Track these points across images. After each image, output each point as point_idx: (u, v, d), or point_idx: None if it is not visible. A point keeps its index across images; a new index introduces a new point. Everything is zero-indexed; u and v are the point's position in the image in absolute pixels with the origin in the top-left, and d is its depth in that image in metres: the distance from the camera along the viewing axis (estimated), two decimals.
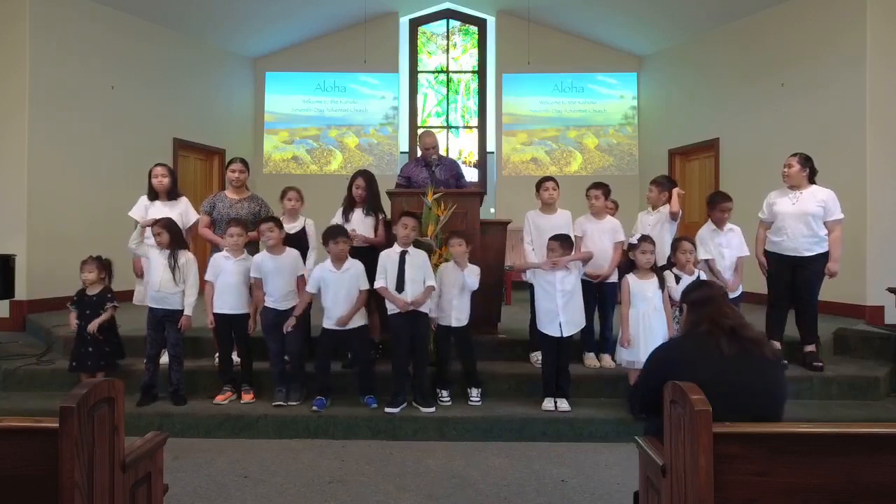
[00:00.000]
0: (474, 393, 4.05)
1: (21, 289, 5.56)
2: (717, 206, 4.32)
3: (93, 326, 4.01)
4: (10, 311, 5.79)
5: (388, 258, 3.97)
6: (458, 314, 4.01)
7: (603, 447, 3.66)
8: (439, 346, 4.09)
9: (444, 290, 4.03)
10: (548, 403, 3.91)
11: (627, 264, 4.20)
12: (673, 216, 4.39)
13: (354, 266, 4.00)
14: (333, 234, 3.94)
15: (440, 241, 4.31)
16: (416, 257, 3.98)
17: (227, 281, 4.04)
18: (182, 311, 4.01)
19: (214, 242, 4.41)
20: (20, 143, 5.82)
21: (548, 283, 3.94)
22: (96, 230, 6.14)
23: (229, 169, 4.55)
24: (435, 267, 4.13)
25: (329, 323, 3.96)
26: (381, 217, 4.48)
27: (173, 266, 3.98)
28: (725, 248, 4.27)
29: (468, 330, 4.07)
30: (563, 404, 3.91)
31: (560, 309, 3.88)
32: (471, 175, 9.00)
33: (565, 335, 3.89)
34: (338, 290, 3.94)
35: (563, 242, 3.91)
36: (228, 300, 4.04)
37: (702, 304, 2.22)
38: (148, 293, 4.08)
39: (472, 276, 3.99)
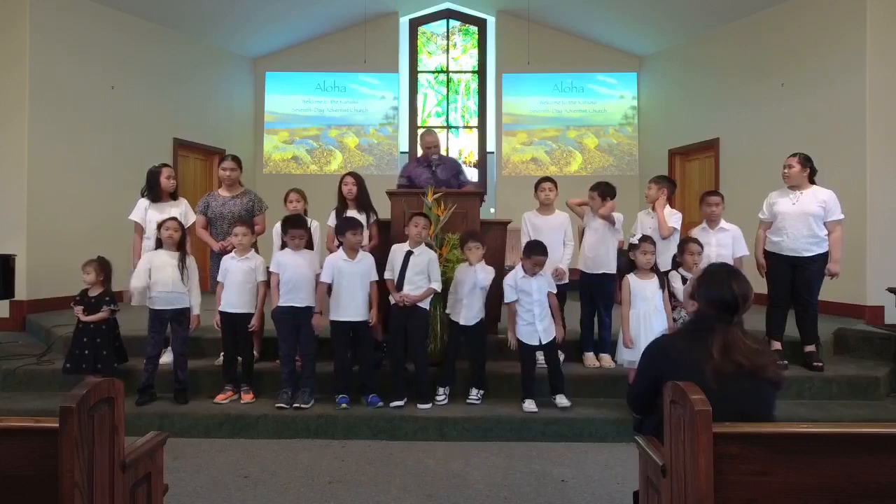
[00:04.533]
0: (474, 392, 4.06)
1: (21, 289, 5.56)
2: (702, 201, 4.42)
3: (79, 312, 4.02)
4: (10, 311, 5.78)
5: (396, 254, 4.04)
6: (466, 312, 4.02)
7: (603, 447, 3.66)
8: (449, 342, 4.12)
9: (458, 288, 4.07)
10: (529, 405, 3.90)
11: (628, 264, 4.20)
12: (664, 238, 4.36)
13: (367, 257, 4.05)
14: (350, 225, 4.00)
15: (440, 242, 4.31)
16: (421, 259, 4.00)
17: (232, 280, 4.04)
18: (189, 308, 4.04)
19: (210, 245, 4.43)
20: (20, 143, 5.82)
21: (524, 293, 3.95)
22: (96, 230, 6.13)
23: (220, 167, 4.58)
24: None
25: (341, 315, 3.96)
26: (373, 219, 4.48)
27: (182, 267, 4.00)
28: (715, 247, 4.26)
29: (481, 330, 4.08)
30: (563, 400, 3.92)
31: (536, 318, 3.92)
32: (471, 175, 8.98)
33: (543, 342, 3.93)
34: (353, 279, 3.96)
35: (544, 255, 3.95)
36: (233, 299, 4.04)
37: (713, 306, 1.98)
38: (154, 294, 3.98)
39: (482, 272, 4.02)
